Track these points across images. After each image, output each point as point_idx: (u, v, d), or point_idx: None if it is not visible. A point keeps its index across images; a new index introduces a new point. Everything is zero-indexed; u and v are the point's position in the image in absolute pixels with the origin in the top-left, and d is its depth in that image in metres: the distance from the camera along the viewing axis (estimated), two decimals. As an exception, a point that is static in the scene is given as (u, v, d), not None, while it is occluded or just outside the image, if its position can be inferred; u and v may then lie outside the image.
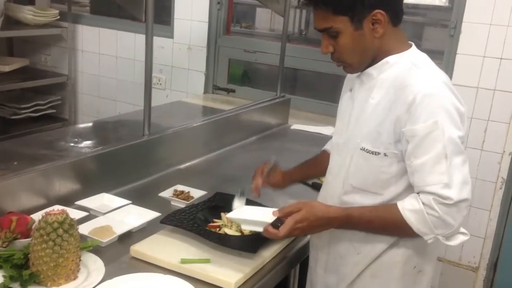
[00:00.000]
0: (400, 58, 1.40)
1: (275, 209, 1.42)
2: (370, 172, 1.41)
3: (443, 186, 1.28)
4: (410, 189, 1.37)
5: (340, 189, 1.49)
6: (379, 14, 1.34)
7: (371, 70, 1.43)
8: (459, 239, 1.35)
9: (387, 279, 1.46)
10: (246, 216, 1.47)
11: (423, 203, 1.30)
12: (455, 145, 1.31)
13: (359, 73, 1.47)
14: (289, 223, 1.35)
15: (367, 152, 1.40)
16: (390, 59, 1.40)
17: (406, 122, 1.32)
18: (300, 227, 1.36)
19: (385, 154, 1.38)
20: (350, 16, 1.34)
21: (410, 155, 1.33)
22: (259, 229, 1.41)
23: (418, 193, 1.33)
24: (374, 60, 1.42)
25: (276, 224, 1.42)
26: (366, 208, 1.41)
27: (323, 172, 1.64)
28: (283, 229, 1.35)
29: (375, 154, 1.39)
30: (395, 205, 1.35)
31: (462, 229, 1.35)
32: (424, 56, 1.43)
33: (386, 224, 1.38)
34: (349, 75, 1.57)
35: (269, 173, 1.72)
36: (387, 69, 1.40)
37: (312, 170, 1.80)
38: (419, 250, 1.45)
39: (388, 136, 1.36)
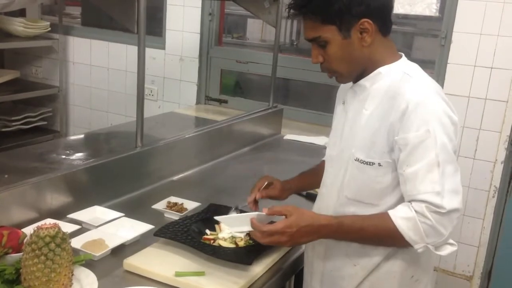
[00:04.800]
0: (392, 68, 1.41)
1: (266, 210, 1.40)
2: (364, 183, 1.41)
3: (436, 195, 1.28)
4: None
5: (335, 201, 1.48)
6: (367, 23, 1.35)
7: (364, 81, 1.43)
8: (447, 249, 1.35)
9: None
10: (233, 217, 1.47)
11: (415, 211, 1.29)
12: (447, 153, 1.31)
13: (352, 85, 1.47)
14: (277, 226, 1.32)
15: (361, 162, 1.40)
16: (382, 69, 1.41)
17: (398, 131, 1.32)
18: (289, 232, 1.32)
19: (379, 164, 1.37)
20: (337, 25, 1.35)
21: (403, 164, 1.32)
22: (247, 227, 1.38)
23: (410, 201, 1.32)
24: (365, 70, 1.42)
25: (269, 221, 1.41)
26: (357, 216, 1.40)
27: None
28: (269, 227, 1.33)
29: (370, 165, 1.38)
30: (387, 213, 1.33)
31: (450, 240, 1.35)
32: (415, 66, 1.44)
33: (378, 233, 1.35)
34: (341, 88, 1.58)
35: (267, 186, 1.70)
36: (380, 80, 1.41)
37: (312, 180, 1.78)
38: (416, 260, 1.44)
39: (382, 145, 1.36)
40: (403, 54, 1.46)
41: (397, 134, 1.32)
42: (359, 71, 1.43)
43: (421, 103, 1.31)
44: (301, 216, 1.34)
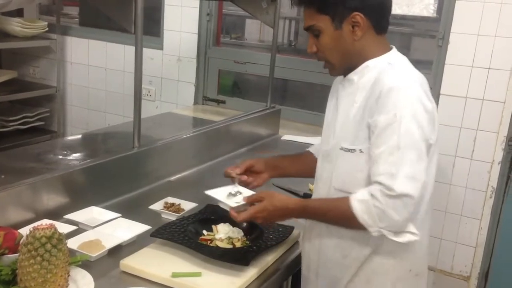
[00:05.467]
0: (379, 60, 1.44)
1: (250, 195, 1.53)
2: (348, 171, 1.43)
3: (389, 177, 1.29)
4: None
5: (326, 193, 1.50)
6: (359, 17, 1.39)
7: (352, 75, 1.46)
8: (406, 237, 1.35)
9: (383, 284, 1.45)
10: (218, 197, 1.56)
11: (371, 194, 1.31)
12: (412, 139, 1.31)
13: (342, 80, 1.51)
14: (249, 212, 1.46)
15: (345, 150, 1.43)
16: (369, 62, 1.44)
17: (373, 114, 1.35)
18: (261, 216, 1.46)
19: (360, 151, 1.39)
20: (331, 15, 1.40)
21: (372, 146, 1.35)
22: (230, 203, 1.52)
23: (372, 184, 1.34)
24: (355, 64, 1.45)
25: (245, 209, 1.49)
26: (323, 199, 1.48)
27: (305, 172, 1.72)
28: (242, 216, 1.46)
29: (352, 152, 1.41)
30: (347, 197, 1.35)
31: (412, 229, 1.35)
32: (402, 57, 1.47)
33: (338, 215, 1.39)
34: (334, 83, 1.60)
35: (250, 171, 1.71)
36: (367, 73, 1.43)
37: (297, 167, 1.79)
38: (411, 253, 1.44)
39: (364, 132, 1.39)
40: (393, 47, 1.49)
41: (371, 117, 1.35)
42: (348, 64, 1.46)
43: (396, 88, 1.33)
44: (271, 201, 1.45)
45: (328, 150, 1.53)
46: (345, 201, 1.35)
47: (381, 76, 1.38)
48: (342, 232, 1.45)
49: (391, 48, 1.48)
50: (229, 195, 1.59)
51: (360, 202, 1.32)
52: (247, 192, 1.60)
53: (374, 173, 1.32)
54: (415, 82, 1.38)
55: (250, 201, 1.50)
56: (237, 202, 1.53)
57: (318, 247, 1.53)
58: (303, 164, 1.76)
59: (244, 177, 1.68)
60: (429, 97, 1.38)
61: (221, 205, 1.55)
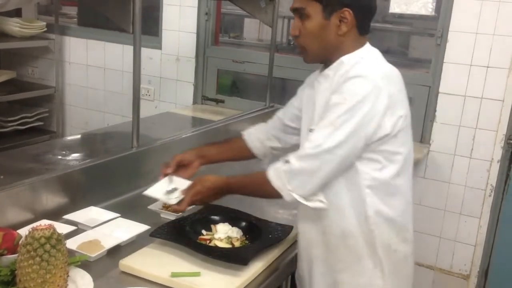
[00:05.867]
0: (353, 55, 1.48)
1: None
2: None
3: (314, 146, 1.38)
4: (349, 171, 1.43)
5: None
6: (347, 13, 1.44)
7: (328, 71, 1.50)
8: (317, 203, 1.44)
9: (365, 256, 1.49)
10: (158, 196, 1.69)
11: (285, 160, 1.42)
12: (349, 122, 1.36)
13: (318, 74, 1.55)
14: (186, 198, 1.59)
15: (311, 131, 1.46)
16: (344, 58, 1.48)
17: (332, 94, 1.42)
18: (197, 199, 1.60)
19: None
20: (323, 4, 1.44)
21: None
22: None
23: None
24: (331, 59, 1.49)
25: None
26: (246, 174, 1.59)
27: (234, 157, 1.85)
28: (182, 205, 1.60)
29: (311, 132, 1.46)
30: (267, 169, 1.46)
31: (322, 199, 1.44)
32: (374, 51, 1.51)
33: (255, 184, 1.53)
34: (307, 80, 1.69)
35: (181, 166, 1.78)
36: (342, 68, 1.46)
37: (224, 154, 1.87)
38: (392, 229, 1.49)
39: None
40: (367, 42, 1.52)
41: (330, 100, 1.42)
42: (324, 56, 1.51)
43: (356, 76, 1.39)
44: (203, 184, 1.60)
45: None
46: (262, 172, 1.47)
47: (351, 69, 1.43)
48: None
49: (364, 44, 1.51)
50: (167, 193, 1.68)
51: (274, 169, 1.44)
52: (183, 185, 1.68)
53: (307, 139, 1.42)
54: (376, 73, 1.41)
55: (185, 192, 1.62)
56: (176, 197, 1.64)
57: (308, 236, 1.58)
58: (230, 149, 1.86)
59: (177, 174, 1.76)
60: (391, 88, 1.41)
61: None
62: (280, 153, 1.77)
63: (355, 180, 1.43)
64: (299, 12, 1.47)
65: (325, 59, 1.51)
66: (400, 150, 1.45)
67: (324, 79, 1.51)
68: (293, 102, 1.76)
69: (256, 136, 1.83)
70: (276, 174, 1.43)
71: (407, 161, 1.48)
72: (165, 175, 1.74)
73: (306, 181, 1.40)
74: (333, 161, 1.38)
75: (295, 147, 1.56)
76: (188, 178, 1.74)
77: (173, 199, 1.64)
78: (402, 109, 1.44)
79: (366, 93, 1.36)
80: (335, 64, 1.48)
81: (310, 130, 1.47)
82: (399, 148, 1.44)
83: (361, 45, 1.50)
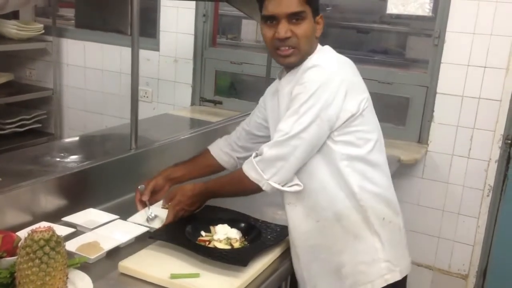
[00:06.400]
0: (313, 55, 1.58)
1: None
2: None
3: (282, 134, 1.45)
4: (321, 162, 1.51)
5: None
6: (321, 18, 1.59)
7: (294, 71, 1.59)
8: (293, 188, 1.51)
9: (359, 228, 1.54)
10: (142, 223, 1.73)
11: (255, 153, 1.50)
12: (312, 108, 1.44)
13: (281, 75, 1.65)
14: (170, 210, 1.65)
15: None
16: (307, 61, 1.57)
17: (294, 87, 1.50)
18: (179, 209, 1.65)
19: None
20: (313, 8, 1.55)
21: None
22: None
23: None
24: (305, 58, 1.58)
25: None
26: (221, 175, 1.67)
27: (204, 173, 1.90)
28: (168, 217, 1.64)
29: None
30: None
31: (297, 182, 1.51)
32: (327, 47, 1.62)
33: (232, 182, 1.59)
34: (267, 91, 1.81)
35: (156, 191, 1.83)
36: (304, 67, 1.56)
37: (192, 173, 1.91)
38: (381, 202, 1.56)
39: None
40: (318, 44, 1.63)
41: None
42: (306, 55, 1.57)
43: (313, 65, 1.49)
44: (182, 193, 1.66)
45: None
46: (238, 169, 1.54)
47: (307, 63, 1.54)
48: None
49: (318, 46, 1.62)
50: (148, 220, 1.75)
51: (247, 163, 1.51)
52: (162, 212, 1.75)
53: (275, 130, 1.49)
54: (330, 61, 1.53)
55: (166, 202, 1.71)
56: (159, 223, 1.71)
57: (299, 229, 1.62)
58: (198, 167, 1.91)
59: (151, 199, 1.81)
60: (346, 73, 1.52)
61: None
62: None
63: (334, 162, 1.51)
64: (297, 15, 1.52)
65: (304, 60, 1.58)
66: (370, 129, 1.55)
67: (287, 83, 1.59)
68: (256, 113, 1.87)
69: (221, 149, 1.91)
70: (250, 167, 1.49)
71: (379, 138, 1.59)
72: (141, 201, 1.81)
73: (280, 168, 1.47)
74: (301, 145, 1.46)
75: None
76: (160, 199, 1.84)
77: (157, 225, 1.71)
78: (363, 91, 1.55)
79: (325, 79, 1.46)
80: (302, 65, 1.57)
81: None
82: (368, 126, 1.54)
83: (317, 46, 1.62)
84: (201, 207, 1.71)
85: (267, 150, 1.48)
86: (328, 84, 1.46)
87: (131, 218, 1.77)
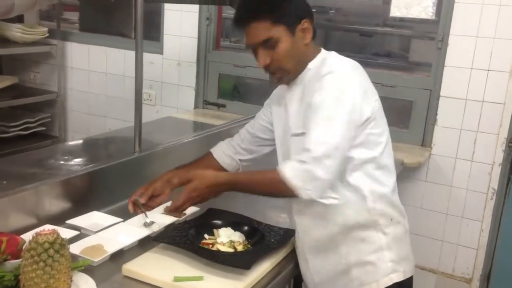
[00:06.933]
0: (316, 60, 1.59)
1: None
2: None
3: (318, 144, 1.42)
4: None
5: None
6: (306, 23, 1.55)
7: (298, 80, 1.60)
8: (330, 200, 1.51)
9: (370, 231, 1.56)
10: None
11: (299, 160, 1.43)
12: (339, 113, 1.45)
13: (287, 88, 1.63)
14: (182, 195, 1.54)
15: (295, 135, 1.55)
16: (310, 64, 1.59)
17: (312, 95, 1.49)
18: (194, 196, 1.54)
19: (303, 133, 1.50)
20: (286, 24, 1.51)
21: (308, 120, 1.48)
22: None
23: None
24: (302, 69, 1.58)
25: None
26: (252, 171, 1.60)
27: None
28: (176, 202, 1.55)
29: (302, 135, 1.50)
30: (278, 167, 1.47)
31: (334, 195, 1.51)
32: (333, 53, 1.63)
33: (265, 182, 1.50)
34: (274, 95, 1.78)
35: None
36: (309, 73, 1.58)
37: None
38: (390, 205, 1.58)
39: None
40: (322, 48, 1.63)
41: (310, 98, 1.49)
42: (300, 68, 1.58)
43: (330, 72, 1.49)
44: (202, 180, 1.54)
45: (284, 150, 1.65)
46: (273, 170, 1.46)
47: (320, 70, 1.53)
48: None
49: (320, 49, 1.62)
50: (146, 225, 1.72)
51: (290, 168, 1.43)
52: (161, 218, 1.73)
53: (305, 141, 1.44)
54: (344, 66, 1.54)
55: (181, 184, 1.62)
56: (156, 227, 1.70)
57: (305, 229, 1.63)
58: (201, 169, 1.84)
59: (150, 207, 1.75)
60: (366, 80, 1.55)
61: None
62: (251, 164, 1.88)
63: (347, 167, 1.51)
64: (266, 44, 1.52)
65: (300, 71, 1.59)
66: (381, 131, 1.56)
67: (297, 87, 1.60)
68: (261, 115, 1.86)
69: (224, 152, 1.90)
70: (294, 173, 1.42)
71: (388, 141, 1.61)
72: (132, 202, 1.72)
73: (324, 181, 1.43)
74: (341, 155, 1.45)
75: (265, 156, 1.79)
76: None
77: (153, 229, 1.70)
78: (375, 94, 1.57)
79: (343, 84, 1.48)
80: (303, 73, 1.58)
81: (296, 135, 1.55)
82: (379, 129, 1.55)
83: (318, 50, 1.61)
84: (215, 197, 1.62)
85: (312, 161, 1.41)
86: (347, 88, 1.47)
87: (128, 222, 1.76)
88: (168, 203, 1.92)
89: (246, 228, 1.69)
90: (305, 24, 1.54)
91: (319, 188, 1.43)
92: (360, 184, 1.53)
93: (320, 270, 1.62)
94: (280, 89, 1.74)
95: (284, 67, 1.56)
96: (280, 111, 1.69)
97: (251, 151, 1.88)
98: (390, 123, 1.65)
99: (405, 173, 2.85)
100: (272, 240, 1.65)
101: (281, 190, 1.45)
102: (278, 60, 1.54)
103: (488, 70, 2.70)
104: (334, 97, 1.45)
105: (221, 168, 1.89)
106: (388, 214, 1.57)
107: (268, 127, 1.82)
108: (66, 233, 1.58)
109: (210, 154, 1.92)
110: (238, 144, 1.90)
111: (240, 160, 1.89)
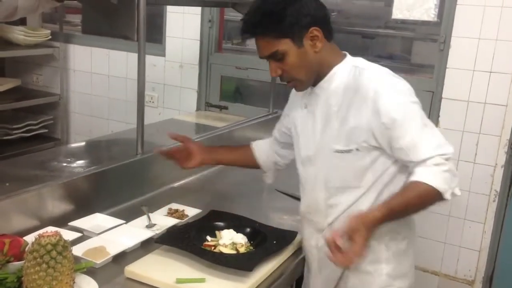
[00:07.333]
0: (343, 66, 1.56)
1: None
2: (347, 168, 1.53)
3: (437, 147, 1.44)
4: (386, 172, 1.51)
5: (323, 194, 1.58)
6: (315, 30, 1.50)
7: (323, 83, 1.57)
8: (457, 190, 1.47)
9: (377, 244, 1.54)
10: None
11: (434, 164, 1.41)
12: (422, 115, 1.50)
13: (311, 90, 1.60)
14: (356, 247, 1.32)
15: (341, 152, 1.52)
16: (335, 69, 1.56)
17: (380, 116, 1.45)
18: (363, 242, 1.34)
19: (357, 149, 1.50)
20: (291, 37, 1.48)
21: (397, 139, 1.45)
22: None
23: (419, 165, 1.43)
24: (320, 74, 1.56)
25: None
26: (396, 195, 1.44)
27: (239, 162, 1.92)
28: (356, 252, 1.33)
29: (348, 152, 1.51)
30: (415, 181, 1.41)
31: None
32: (362, 59, 1.60)
33: (420, 195, 1.42)
34: (294, 94, 1.72)
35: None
36: (336, 79, 1.55)
37: (231, 156, 1.94)
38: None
39: (359, 134, 1.48)
40: (347, 53, 1.61)
41: (379, 120, 1.45)
42: (315, 75, 1.56)
43: (383, 85, 1.48)
44: (365, 226, 1.35)
45: (310, 155, 1.61)
46: (418, 184, 1.41)
47: (360, 82, 1.50)
48: None
49: (345, 54, 1.60)
50: (147, 226, 1.75)
51: (432, 176, 1.40)
52: (163, 220, 1.78)
53: (419, 154, 1.43)
54: (390, 73, 1.55)
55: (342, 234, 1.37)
56: (157, 229, 1.72)
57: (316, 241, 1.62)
58: (238, 154, 1.93)
59: (177, 159, 1.84)
60: (400, 79, 1.55)
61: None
62: (282, 167, 1.88)
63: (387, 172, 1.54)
64: (273, 56, 1.51)
65: (319, 77, 1.57)
66: None
67: (322, 92, 1.57)
68: (282, 121, 1.84)
69: (263, 149, 1.90)
70: (439, 179, 1.41)
71: None
72: (173, 137, 1.85)
73: (456, 173, 1.46)
74: (447, 142, 1.48)
75: (293, 162, 1.73)
76: (185, 167, 1.85)
77: (155, 230, 1.72)
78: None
79: (400, 88, 1.51)
80: (328, 77, 1.55)
81: (340, 152, 1.52)
82: None
83: (339, 52, 1.59)
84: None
85: (446, 161, 1.43)
86: (409, 95, 1.51)
87: (130, 223, 1.77)
88: (172, 205, 1.95)
89: (248, 230, 1.69)
90: (314, 31, 1.49)
91: (457, 184, 1.45)
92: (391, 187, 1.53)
93: (320, 277, 1.64)
94: (298, 95, 1.69)
95: (296, 78, 1.55)
96: (305, 117, 1.64)
97: (280, 155, 1.88)
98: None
99: (407, 175, 2.84)
100: (275, 242, 1.65)
101: (432, 198, 1.44)
102: (289, 71, 1.53)
103: (490, 72, 2.69)
104: (409, 103, 1.48)
105: (255, 162, 1.90)
106: (395, 229, 1.55)
107: (286, 132, 1.81)
108: (68, 235, 1.58)
109: (248, 147, 1.93)
110: (272, 145, 1.90)
111: (274, 162, 1.89)
